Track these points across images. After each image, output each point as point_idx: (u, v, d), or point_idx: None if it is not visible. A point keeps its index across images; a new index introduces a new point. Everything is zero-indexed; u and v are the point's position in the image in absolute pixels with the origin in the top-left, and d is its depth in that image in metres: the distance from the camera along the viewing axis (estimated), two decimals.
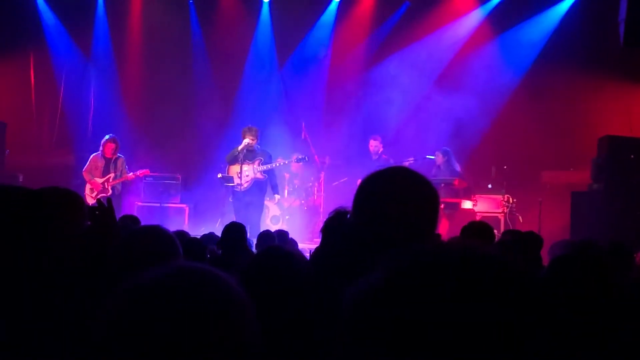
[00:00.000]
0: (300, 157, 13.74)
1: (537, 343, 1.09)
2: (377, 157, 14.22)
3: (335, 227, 3.41)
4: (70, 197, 2.42)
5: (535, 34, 15.55)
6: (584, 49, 14.77)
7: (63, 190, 2.45)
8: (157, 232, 3.06)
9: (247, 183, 13.02)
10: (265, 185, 13.27)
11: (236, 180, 13.02)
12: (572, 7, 15.32)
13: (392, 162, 13.65)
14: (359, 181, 2.39)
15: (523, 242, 5.23)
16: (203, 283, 1.34)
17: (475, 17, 16.02)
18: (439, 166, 13.66)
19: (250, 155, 13.07)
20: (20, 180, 13.81)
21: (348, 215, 2.47)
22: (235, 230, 6.62)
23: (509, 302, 1.09)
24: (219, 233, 9.28)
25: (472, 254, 1.14)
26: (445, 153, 13.68)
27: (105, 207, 3.01)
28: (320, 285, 2.77)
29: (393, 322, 1.09)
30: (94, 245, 2.62)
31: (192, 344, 1.27)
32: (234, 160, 13.13)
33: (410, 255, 1.17)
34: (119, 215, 7.97)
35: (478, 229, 5.82)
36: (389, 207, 2.33)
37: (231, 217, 12.98)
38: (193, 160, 15.27)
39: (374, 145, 14.32)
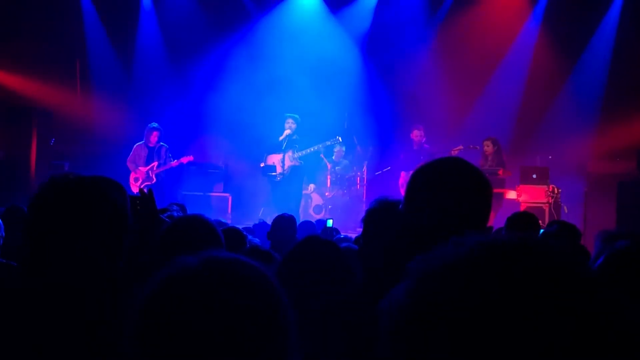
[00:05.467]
0: (332, 140, 13.73)
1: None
2: (418, 147, 14.11)
3: (377, 217, 3.38)
4: (117, 187, 2.42)
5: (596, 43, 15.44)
6: (628, 42, 14.61)
7: (110, 180, 2.46)
8: (199, 222, 3.06)
9: (287, 172, 13.07)
10: (302, 173, 13.30)
11: (278, 170, 13.05)
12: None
13: (435, 152, 13.57)
14: (403, 174, 2.35)
15: (569, 232, 5.13)
16: (233, 273, 1.33)
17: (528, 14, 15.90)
18: (487, 155, 13.44)
19: (289, 144, 13.11)
20: (66, 168, 13.96)
21: (400, 206, 2.42)
22: (285, 222, 6.60)
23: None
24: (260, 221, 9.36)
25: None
26: (495, 142, 13.47)
27: (146, 197, 3.01)
28: (365, 275, 2.75)
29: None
30: (135, 235, 2.63)
31: (221, 333, 1.26)
32: (275, 150, 13.16)
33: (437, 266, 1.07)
34: (163, 203, 8.02)
35: (523, 219, 5.74)
36: (442, 198, 2.29)
37: (273, 206, 13.00)
38: (236, 149, 15.29)
39: (417, 135, 14.19)
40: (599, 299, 1.00)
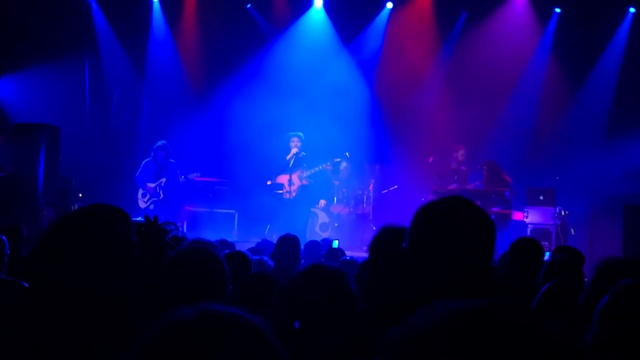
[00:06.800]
0: (341, 157, 13.79)
1: None
2: (456, 166, 14.08)
3: (383, 247, 3.37)
4: (121, 215, 2.43)
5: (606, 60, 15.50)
6: (635, 63, 14.67)
7: (116, 209, 2.46)
8: (206, 257, 3.03)
9: (295, 191, 13.09)
10: (310, 192, 13.31)
11: (285, 188, 13.07)
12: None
13: (470, 174, 13.68)
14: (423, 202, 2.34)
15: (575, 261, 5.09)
16: (227, 327, 1.32)
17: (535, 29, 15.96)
18: (487, 176, 13.43)
19: (296, 163, 13.14)
20: (73, 183, 13.96)
21: (404, 244, 2.42)
22: (289, 243, 6.57)
23: None
24: (267, 238, 9.33)
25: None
26: (489, 165, 13.48)
27: (151, 224, 3.00)
28: (368, 313, 2.74)
29: None
30: (140, 264, 2.63)
31: None
32: (283, 170, 13.20)
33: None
34: (170, 219, 8.01)
35: (527, 247, 5.70)
36: (445, 240, 2.29)
37: (279, 224, 12.98)
38: (243, 165, 15.26)
39: (462, 154, 14.14)
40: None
